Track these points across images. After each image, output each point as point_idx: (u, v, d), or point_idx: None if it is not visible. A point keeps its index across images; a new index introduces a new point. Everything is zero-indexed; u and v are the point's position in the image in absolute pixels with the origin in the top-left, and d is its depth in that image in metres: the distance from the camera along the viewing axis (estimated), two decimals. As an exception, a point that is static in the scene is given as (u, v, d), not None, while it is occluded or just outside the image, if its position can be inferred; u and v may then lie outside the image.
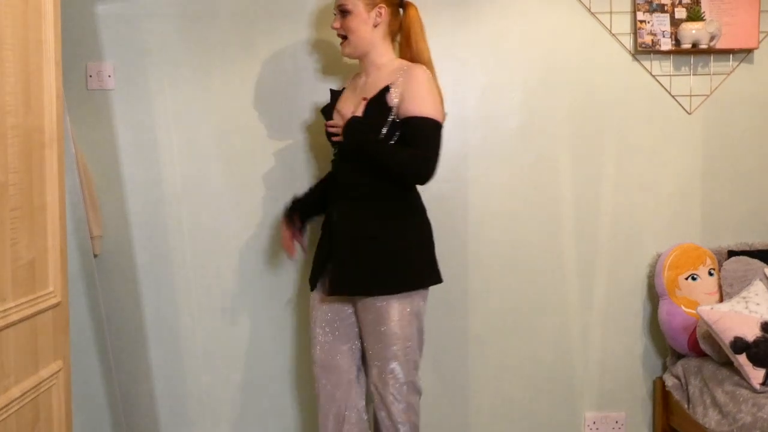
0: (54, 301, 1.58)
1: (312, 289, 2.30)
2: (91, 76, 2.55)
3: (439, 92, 2.16)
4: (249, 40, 2.61)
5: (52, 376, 1.58)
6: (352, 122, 2.12)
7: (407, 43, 2.23)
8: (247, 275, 2.66)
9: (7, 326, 1.38)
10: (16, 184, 1.42)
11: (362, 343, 2.22)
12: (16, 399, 1.42)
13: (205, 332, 2.66)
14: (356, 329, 2.24)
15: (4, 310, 1.37)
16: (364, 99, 2.13)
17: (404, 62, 2.19)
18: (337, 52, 2.59)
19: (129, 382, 2.61)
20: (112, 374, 2.30)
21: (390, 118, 2.10)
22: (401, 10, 2.24)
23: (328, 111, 2.29)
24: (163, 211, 2.62)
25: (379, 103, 2.12)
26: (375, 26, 2.18)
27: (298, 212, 2.41)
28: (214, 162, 2.63)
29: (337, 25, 2.21)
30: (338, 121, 2.19)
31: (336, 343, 2.24)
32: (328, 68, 2.63)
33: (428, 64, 2.22)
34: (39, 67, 1.53)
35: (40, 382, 1.52)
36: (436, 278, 2.25)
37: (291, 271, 2.66)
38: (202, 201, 2.63)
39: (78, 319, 2.17)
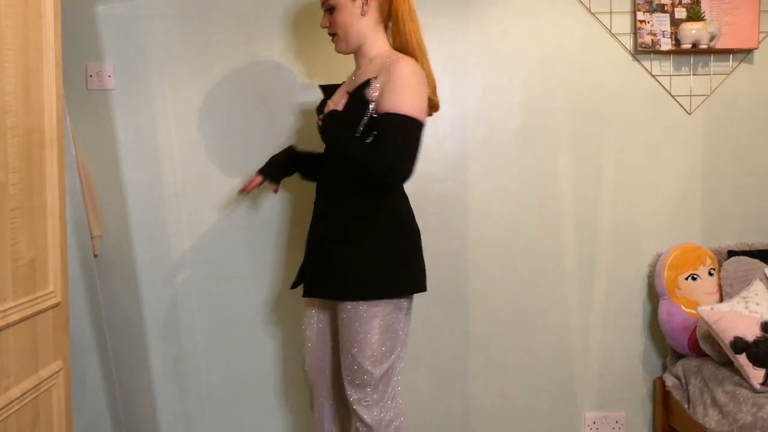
0: (54, 301, 1.58)
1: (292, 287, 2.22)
2: (91, 76, 2.55)
3: (425, 85, 1.99)
4: (249, 40, 2.61)
5: (52, 376, 1.58)
6: (329, 116, 2.01)
7: (396, 29, 2.06)
8: (247, 275, 2.66)
9: (7, 326, 1.38)
10: (16, 184, 1.42)
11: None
12: (16, 399, 1.41)
13: (205, 332, 2.66)
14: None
15: (4, 310, 1.37)
16: (347, 93, 2.03)
17: (393, 53, 2.04)
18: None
19: (129, 382, 2.61)
20: (112, 374, 2.30)
21: (368, 114, 1.96)
22: None
23: (320, 107, 2.18)
24: (163, 211, 2.62)
25: (359, 98, 1.98)
26: (363, 16, 2.05)
27: (286, 168, 2.31)
28: (214, 162, 2.63)
29: (326, 23, 2.11)
30: None
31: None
32: (329, 68, 2.63)
33: (417, 50, 2.05)
34: (39, 67, 1.53)
35: (40, 382, 1.52)
36: (390, 291, 1.99)
37: (291, 271, 2.65)
38: (202, 201, 2.63)
39: (78, 319, 2.17)
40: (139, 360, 2.64)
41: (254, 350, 2.68)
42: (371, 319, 1.96)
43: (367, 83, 1.97)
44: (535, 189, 2.72)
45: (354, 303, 1.97)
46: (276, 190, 2.32)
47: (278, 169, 2.32)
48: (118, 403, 2.33)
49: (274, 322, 2.69)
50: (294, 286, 2.21)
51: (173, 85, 2.59)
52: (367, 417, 2.00)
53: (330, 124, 2.00)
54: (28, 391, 1.46)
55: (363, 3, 2.04)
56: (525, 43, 2.69)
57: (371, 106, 1.96)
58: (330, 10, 2.08)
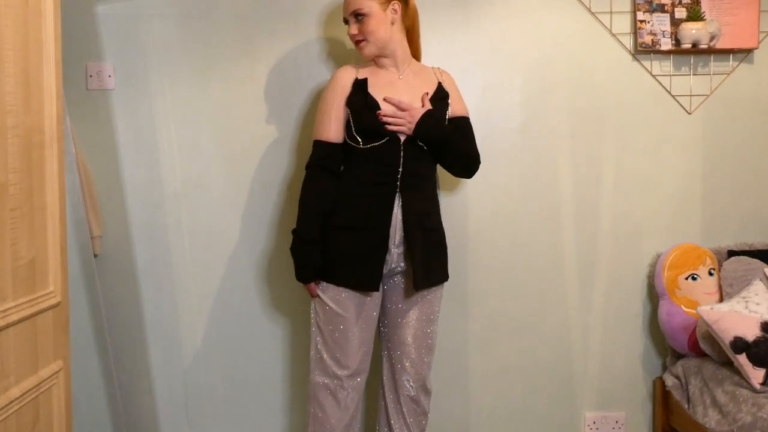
0: (54, 301, 1.58)
1: (375, 290, 2.16)
2: (91, 76, 2.55)
3: None
4: (249, 40, 2.61)
5: (52, 376, 1.58)
6: (430, 115, 2.16)
7: (411, 37, 2.28)
8: (247, 275, 2.66)
9: (7, 326, 1.38)
10: (16, 184, 1.42)
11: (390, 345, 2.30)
12: (16, 399, 1.42)
13: (205, 332, 2.66)
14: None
15: (4, 310, 1.37)
16: (426, 93, 2.21)
17: (420, 63, 2.33)
18: (337, 52, 2.61)
19: (129, 382, 2.61)
20: (112, 374, 2.30)
21: (447, 114, 2.26)
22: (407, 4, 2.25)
23: (371, 102, 2.16)
24: (163, 211, 2.62)
25: (441, 99, 2.24)
26: (392, 24, 2.19)
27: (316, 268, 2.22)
28: (214, 162, 2.63)
29: (354, 30, 2.19)
30: (392, 110, 2.14)
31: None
32: (328, 68, 2.63)
33: (421, 58, 2.36)
34: (39, 67, 1.53)
35: (40, 382, 1.52)
36: None
37: (291, 271, 2.65)
38: (202, 201, 2.63)
39: (78, 319, 2.17)
40: (139, 360, 2.64)
41: (254, 350, 2.68)
42: None
43: (441, 87, 2.26)
44: (535, 189, 2.72)
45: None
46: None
47: (317, 266, 2.21)
48: (118, 403, 2.34)
49: (274, 322, 2.69)
50: (377, 287, 2.16)
51: (173, 85, 2.59)
52: (431, 387, 2.30)
53: (434, 121, 2.17)
54: (28, 391, 1.46)
55: (393, 12, 2.18)
56: (525, 42, 2.69)
57: (448, 108, 2.26)
58: (360, 17, 2.17)
